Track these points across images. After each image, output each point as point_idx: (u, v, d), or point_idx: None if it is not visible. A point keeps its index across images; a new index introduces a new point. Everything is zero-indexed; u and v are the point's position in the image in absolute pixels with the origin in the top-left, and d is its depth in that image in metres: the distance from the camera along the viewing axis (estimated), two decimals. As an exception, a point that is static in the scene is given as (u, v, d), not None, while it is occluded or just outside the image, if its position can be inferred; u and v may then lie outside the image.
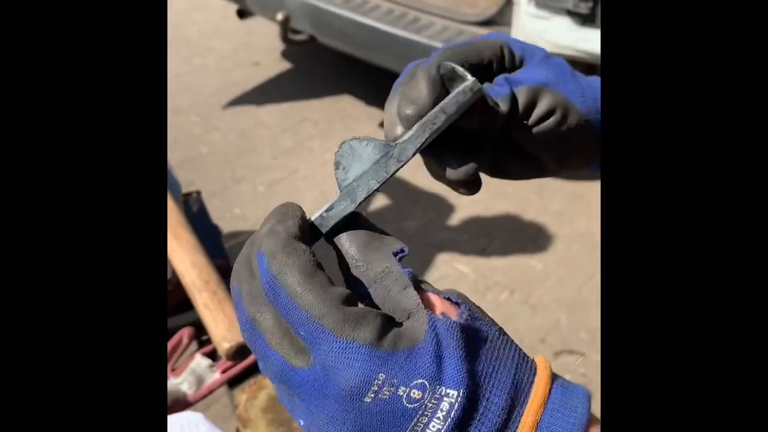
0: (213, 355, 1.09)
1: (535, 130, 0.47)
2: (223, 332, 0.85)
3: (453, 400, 0.32)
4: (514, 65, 0.50)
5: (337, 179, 0.37)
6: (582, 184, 2.76)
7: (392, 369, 0.32)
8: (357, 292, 0.36)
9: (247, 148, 2.99)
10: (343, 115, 3.23)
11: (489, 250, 2.45)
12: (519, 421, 0.33)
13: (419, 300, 0.34)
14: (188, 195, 1.34)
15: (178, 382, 1.06)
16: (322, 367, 0.32)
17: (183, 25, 3.98)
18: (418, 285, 0.36)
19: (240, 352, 0.86)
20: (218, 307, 0.86)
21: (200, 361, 1.08)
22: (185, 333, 1.09)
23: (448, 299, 0.36)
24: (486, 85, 0.46)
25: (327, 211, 0.37)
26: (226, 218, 2.54)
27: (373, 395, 0.32)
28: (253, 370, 1.06)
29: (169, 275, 0.94)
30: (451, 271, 2.36)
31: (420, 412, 0.32)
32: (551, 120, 0.47)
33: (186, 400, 1.04)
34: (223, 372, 1.06)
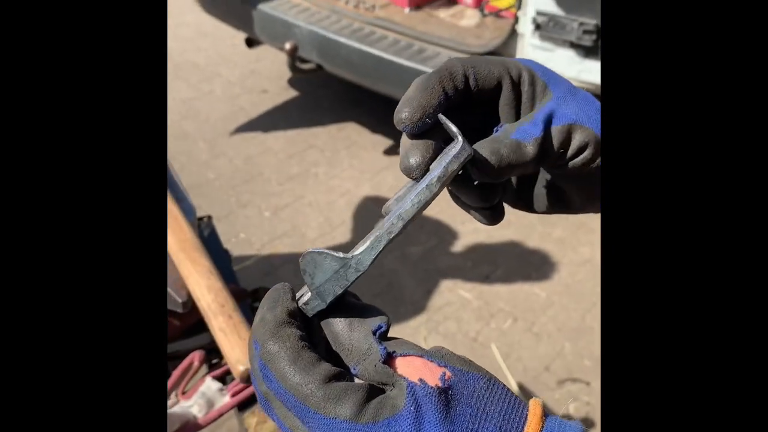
0: (223, 379, 1.10)
1: (565, 167, 0.45)
2: (239, 355, 0.86)
3: None
4: (535, 95, 0.47)
5: (305, 282, 0.42)
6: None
7: None
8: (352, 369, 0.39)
9: (253, 174, 3.03)
10: (348, 143, 3.27)
11: (492, 278, 2.47)
12: None
13: (393, 372, 0.37)
14: (200, 220, 1.37)
15: (189, 405, 1.07)
16: None
17: (191, 52, 4.05)
18: (394, 356, 0.38)
19: (254, 375, 0.87)
20: (234, 330, 0.88)
21: (210, 384, 1.09)
22: (196, 356, 1.10)
23: (432, 361, 0.37)
24: (515, 126, 0.44)
25: (305, 304, 0.41)
26: (231, 243, 2.56)
27: None
28: (262, 394, 1.07)
29: (184, 299, 0.96)
30: (454, 298, 2.37)
31: None
32: (582, 157, 0.45)
33: (196, 423, 1.05)
34: (233, 395, 1.07)
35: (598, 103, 0.47)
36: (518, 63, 0.47)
